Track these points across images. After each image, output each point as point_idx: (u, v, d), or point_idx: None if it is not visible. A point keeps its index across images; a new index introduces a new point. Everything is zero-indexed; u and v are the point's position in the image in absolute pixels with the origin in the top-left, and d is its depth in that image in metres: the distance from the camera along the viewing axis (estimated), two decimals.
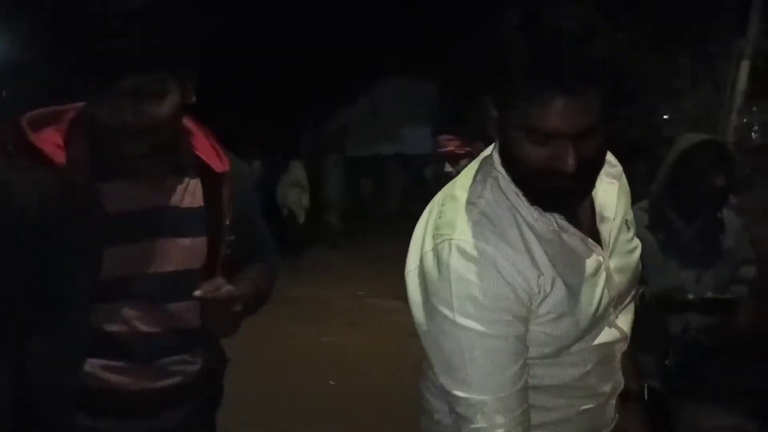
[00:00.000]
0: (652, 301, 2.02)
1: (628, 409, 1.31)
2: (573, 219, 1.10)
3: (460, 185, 1.14)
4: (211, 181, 1.28)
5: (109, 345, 1.20)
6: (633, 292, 1.25)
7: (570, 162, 0.97)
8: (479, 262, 1.03)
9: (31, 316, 1.15)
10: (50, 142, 1.14)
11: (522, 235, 1.07)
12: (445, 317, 1.05)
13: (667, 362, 2.04)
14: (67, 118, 1.20)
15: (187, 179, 1.27)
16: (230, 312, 1.22)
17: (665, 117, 7.36)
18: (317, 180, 11.39)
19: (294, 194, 9.95)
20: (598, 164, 1.05)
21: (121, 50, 1.04)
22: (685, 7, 7.35)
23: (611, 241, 1.17)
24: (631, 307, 1.25)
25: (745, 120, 6.74)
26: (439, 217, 1.11)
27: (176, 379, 1.28)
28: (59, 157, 1.12)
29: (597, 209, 1.16)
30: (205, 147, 1.31)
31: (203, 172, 1.28)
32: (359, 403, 4.03)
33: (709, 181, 2.08)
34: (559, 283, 1.08)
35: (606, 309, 1.15)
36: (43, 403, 1.18)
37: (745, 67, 6.46)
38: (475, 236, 1.05)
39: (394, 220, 11.93)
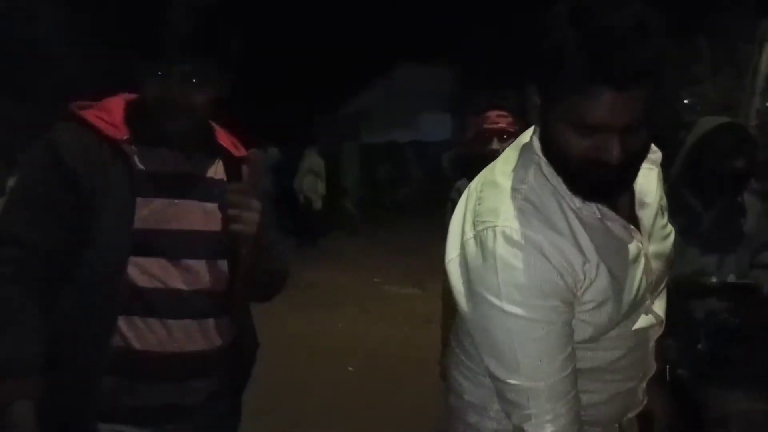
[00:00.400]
0: (674, 286, 2.00)
1: (653, 391, 1.31)
2: (613, 205, 1.10)
3: (500, 171, 1.13)
4: (231, 164, 1.43)
5: (138, 300, 1.27)
6: (667, 278, 1.25)
7: (615, 155, 0.97)
8: (525, 248, 1.03)
9: (68, 261, 1.25)
10: (94, 115, 1.33)
11: (567, 221, 1.07)
12: (492, 305, 1.04)
13: (699, 347, 2.02)
14: (109, 102, 1.39)
15: (213, 157, 1.43)
16: (251, 216, 1.32)
17: (686, 101, 7.25)
18: (334, 167, 11.42)
19: (310, 181, 9.99)
20: (641, 157, 1.05)
21: (183, 37, 1.24)
22: None
23: (650, 227, 1.17)
24: (665, 293, 1.25)
25: (767, 104, 6.62)
26: (479, 204, 1.10)
27: (202, 346, 1.32)
28: (102, 123, 1.31)
29: (637, 195, 1.16)
30: (223, 137, 1.48)
31: (224, 155, 1.45)
32: (377, 389, 4.05)
33: (730, 164, 2.04)
34: (603, 269, 1.08)
35: (644, 295, 1.15)
36: (73, 357, 1.25)
37: (767, 49, 6.33)
38: (520, 223, 1.04)
39: (411, 207, 11.94)
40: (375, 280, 7.41)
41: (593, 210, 1.08)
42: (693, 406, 1.96)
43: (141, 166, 1.32)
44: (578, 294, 1.08)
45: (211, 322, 1.34)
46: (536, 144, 1.10)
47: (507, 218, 1.05)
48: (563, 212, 1.07)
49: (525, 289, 1.03)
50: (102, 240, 1.25)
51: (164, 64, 1.27)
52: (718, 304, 2.05)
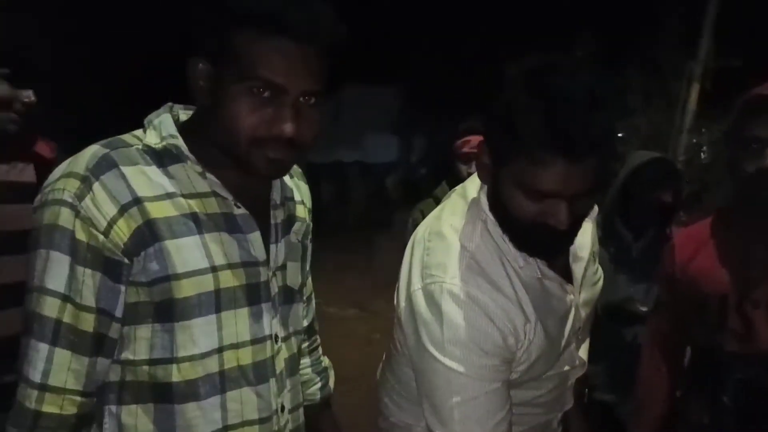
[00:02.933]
0: (603, 312, 2.06)
1: (571, 415, 1.35)
2: (551, 262, 1.13)
3: (448, 224, 1.13)
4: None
5: None
6: (591, 320, 1.29)
7: (563, 220, 0.99)
8: (471, 308, 1.04)
9: None
10: None
11: (511, 282, 1.08)
12: (435, 358, 1.05)
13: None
14: None
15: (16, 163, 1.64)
16: None
17: (619, 134, 7.58)
18: None
19: None
20: (586, 217, 1.09)
21: None
22: (636, 26, 7.59)
23: (581, 278, 1.20)
24: (588, 336, 1.30)
25: (695, 140, 6.99)
26: (427, 255, 1.11)
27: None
28: None
29: (571, 249, 1.19)
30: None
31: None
32: None
33: (658, 197, 2.15)
34: (539, 328, 1.11)
35: (569, 341, 1.19)
36: None
37: (695, 88, 6.69)
38: (467, 282, 1.05)
39: (354, 228, 11.91)
40: (316, 300, 7.31)
41: (534, 270, 1.10)
42: (616, 428, 2.01)
43: None
44: (517, 353, 1.10)
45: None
46: (483, 201, 1.11)
47: (454, 276, 1.06)
48: (507, 274, 1.08)
49: (467, 347, 1.03)
50: None
51: None
52: (644, 331, 2.11)
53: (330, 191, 15.93)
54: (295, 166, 1.20)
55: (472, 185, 1.18)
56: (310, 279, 1.28)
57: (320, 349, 1.35)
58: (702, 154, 7.22)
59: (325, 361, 1.39)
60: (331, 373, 1.38)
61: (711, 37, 6.65)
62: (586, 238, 1.22)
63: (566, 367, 1.21)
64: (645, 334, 1.66)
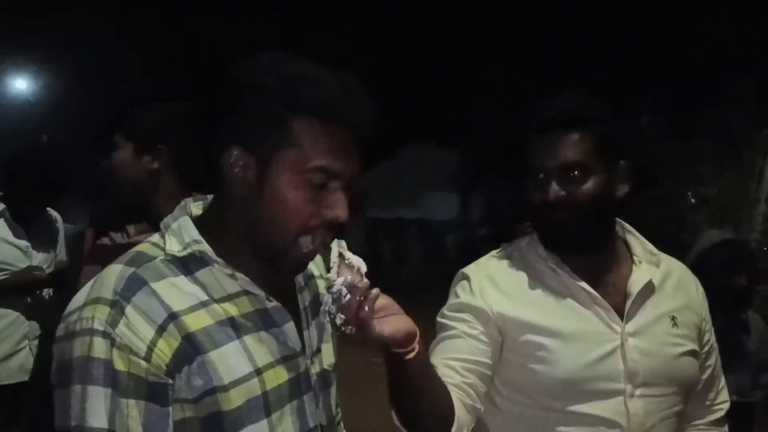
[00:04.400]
0: None
1: None
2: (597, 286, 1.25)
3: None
4: None
5: None
6: (667, 389, 1.24)
7: (551, 195, 1.20)
8: (462, 283, 1.37)
9: None
10: None
11: (526, 287, 1.31)
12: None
13: None
14: None
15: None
16: None
17: (693, 201, 7.33)
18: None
19: None
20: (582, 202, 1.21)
21: None
22: (708, 93, 7.43)
23: (640, 321, 1.24)
24: (663, 406, 1.23)
25: None
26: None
27: None
28: None
29: (627, 286, 1.27)
30: None
31: None
32: None
33: (730, 281, 2.01)
34: (559, 343, 1.25)
35: (611, 378, 1.20)
36: None
37: None
38: (476, 265, 1.40)
39: (412, 284, 11.81)
40: (373, 359, 7.20)
41: (561, 282, 1.28)
42: None
43: None
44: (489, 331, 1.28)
45: None
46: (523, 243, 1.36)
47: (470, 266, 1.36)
48: (529, 284, 1.31)
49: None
50: None
51: None
52: None
53: (388, 249, 15.97)
54: None
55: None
56: None
57: (342, 424, 1.28)
58: None
59: None
60: None
61: None
62: (642, 276, 1.26)
63: (610, 413, 1.19)
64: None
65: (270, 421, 0.92)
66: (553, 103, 1.25)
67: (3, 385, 2.56)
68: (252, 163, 0.90)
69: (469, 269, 1.33)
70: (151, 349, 0.84)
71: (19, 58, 16.65)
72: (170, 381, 0.86)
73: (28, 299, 2.61)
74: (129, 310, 0.84)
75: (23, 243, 2.62)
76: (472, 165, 15.62)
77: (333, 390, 1.10)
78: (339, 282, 0.90)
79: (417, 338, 0.99)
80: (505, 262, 1.32)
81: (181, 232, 0.93)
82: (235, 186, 0.91)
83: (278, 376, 0.94)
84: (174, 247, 0.91)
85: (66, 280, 2.68)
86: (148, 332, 0.84)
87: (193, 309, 0.88)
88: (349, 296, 0.90)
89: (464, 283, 1.30)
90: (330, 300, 0.91)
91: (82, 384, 0.83)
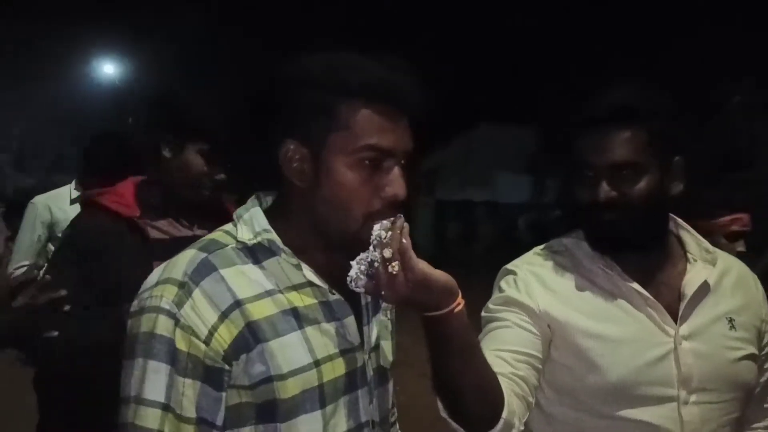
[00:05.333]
0: None
1: None
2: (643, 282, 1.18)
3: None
4: None
5: None
6: (724, 395, 1.16)
7: (602, 195, 1.12)
8: (505, 277, 1.30)
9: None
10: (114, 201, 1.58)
11: (572, 285, 1.24)
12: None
13: None
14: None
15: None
16: None
17: None
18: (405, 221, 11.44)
19: None
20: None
21: None
22: None
23: (696, 323, 1.17)
24: (720, 413, 1.16)
25: None
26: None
27: None
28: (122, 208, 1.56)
29: (681, 286, 1.20)
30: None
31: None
32: None
33: None
34: (609, 346, 1.17)
35: (666, 383, 1.13)
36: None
37: None
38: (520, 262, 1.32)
39: (480, 267, 11.72)
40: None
41: (612, 283, 1.21)
42: None
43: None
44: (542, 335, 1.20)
45: None
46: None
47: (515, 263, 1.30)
48: (577, 282, 1.24)
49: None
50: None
51: None
52: None
53: (456, 231, 15.87)
54: None
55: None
56: None
57: (397, 424, 1.26)
58: None
59: None
60: None
61: None
62: (697, 276, 1.19)
63: (661, 419, 1.12)
64: None
65: (324, 413, 0.94)
66: (603, 95, 1.16)
67: None
68: (307, 155, 0.92)
69: (513, 265, 1.26)
70: (212, 333, 0.87)
71: (107, 42, 17.48)
72: (227, 367, 0.88)
73: None
74: (196, 293, 0.88)
75: None
76: (545, 146, 15.25)
77: (389, 387, 1.10)
78: (377, 227, 0.89)
79: (459, 296, 0.94)
80: (551, 260, 1.24)
81: (252, 222, 0.96)
82: (294, 179, 0.93)
83: (335, 369, 0.95)
84: (245, 235, 0.94)
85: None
86: (211, 317, 0.87)
87: (258, 297, 0.91)
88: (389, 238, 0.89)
89: (509, 278, 1.24)
90: (375, 241, 0.90)
91: (144, 357, 0.87)
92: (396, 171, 0.93)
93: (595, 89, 1.18)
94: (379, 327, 1.06)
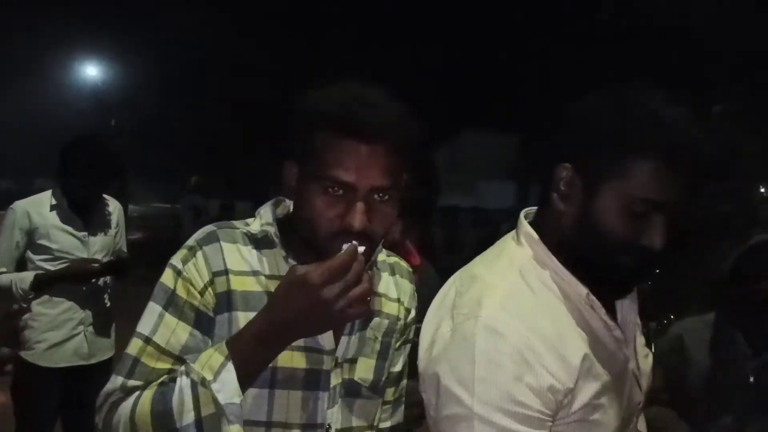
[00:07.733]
0: None
1: None
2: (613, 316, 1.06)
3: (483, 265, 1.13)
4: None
5: None
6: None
7: (658, 239, 0.95)
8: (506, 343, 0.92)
9: None
10: None
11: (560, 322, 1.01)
12: (462, 402, 0.91)
13: None
14: None
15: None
16: None
17: (766, 195, 6.96)
18: None
19: None
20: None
21: None
22: None
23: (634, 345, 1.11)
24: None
25: None
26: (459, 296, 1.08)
27: None
28: None
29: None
30: None
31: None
32: None
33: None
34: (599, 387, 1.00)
35: (631, 415, 1.08)
36: None
37: None
38: (505, 314, 0.98)
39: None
40: None
41: (597, 318, 1.04)
42: None
43: None
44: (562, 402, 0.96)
45: None
46: (534, 245, 1.08)
47: (491, 310, 1.01)
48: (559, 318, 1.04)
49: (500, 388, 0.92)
50: None
51: None
52: None
53: (441, 237, 15.86)
54: (405, 265, 1.24)
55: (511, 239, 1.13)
56: (404, 382, 1.24)
57: None
58: None
59: None
60: None
61: None
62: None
63: None
64: None
65: (272, 394, 1.03)
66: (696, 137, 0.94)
67: (58, 368, 2.62)
68: (297, 175, 1.05)
69: (496, 319, 0.94)
70: (205, 287, 1.03)
71: (90, 44, 17.28)
72: (213, 316, 1.03)
73: (83, 288, 2.66)
74: (199, 254, 1.04)
75: (81, 233, 2.66)
76: (530, 153, 15.34)
77: (368, 406, 1.12)
78: (345, 246, 0.95)
79: None
80: (529, 293, 0.99)
81: (261, 216, 1.11)
82: (288, 194, 1.09)
83: (294, 360, 1.04)
84: (254, 226, 1.10)
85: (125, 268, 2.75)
86: (205, 276, 1.03)
87: (243, 273, 1.05)
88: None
89: (505, 349, 0.93)
90: None
91: (151, 301, 1.04)
92: (355, 205, 0.98)
93: (576, 96, 1.07)
94: (362, 342, 1.11)
